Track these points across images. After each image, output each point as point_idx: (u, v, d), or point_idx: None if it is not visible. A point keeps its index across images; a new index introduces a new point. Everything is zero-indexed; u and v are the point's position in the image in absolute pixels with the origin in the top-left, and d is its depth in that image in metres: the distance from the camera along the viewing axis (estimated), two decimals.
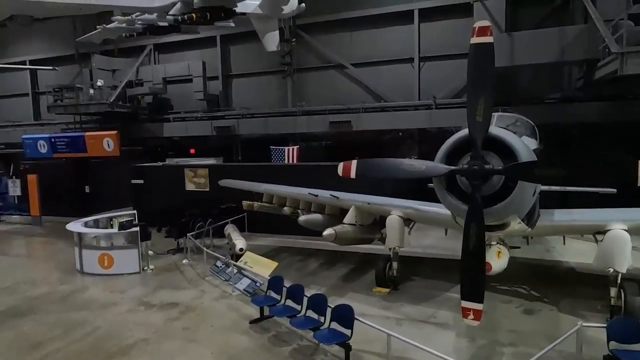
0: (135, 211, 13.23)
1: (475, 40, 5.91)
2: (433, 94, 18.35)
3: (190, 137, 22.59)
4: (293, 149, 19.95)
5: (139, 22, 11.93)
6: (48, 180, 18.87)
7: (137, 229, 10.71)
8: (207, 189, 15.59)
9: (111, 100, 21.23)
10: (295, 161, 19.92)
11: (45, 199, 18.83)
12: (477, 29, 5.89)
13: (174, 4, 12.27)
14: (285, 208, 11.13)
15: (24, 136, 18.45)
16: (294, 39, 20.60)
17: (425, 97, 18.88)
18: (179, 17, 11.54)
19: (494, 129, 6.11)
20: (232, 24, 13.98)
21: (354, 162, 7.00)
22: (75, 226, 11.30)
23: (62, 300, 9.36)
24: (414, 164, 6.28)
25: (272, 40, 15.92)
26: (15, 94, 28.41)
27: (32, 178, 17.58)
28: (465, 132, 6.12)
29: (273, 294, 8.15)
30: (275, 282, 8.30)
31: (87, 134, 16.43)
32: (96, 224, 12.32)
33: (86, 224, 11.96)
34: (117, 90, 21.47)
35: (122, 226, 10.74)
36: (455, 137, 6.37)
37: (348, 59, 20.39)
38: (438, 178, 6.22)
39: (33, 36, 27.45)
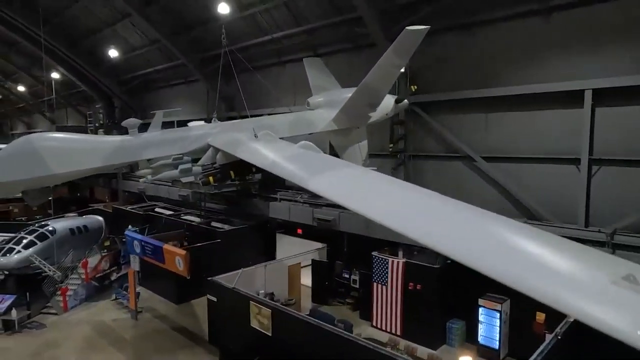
0: None
1: None
2: (608, 219, 11.88)
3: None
4: (398, 263, 15.83)
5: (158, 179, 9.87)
6: None
7: None
8: (270, 334, 12.95)
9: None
10: (400, 280, 15.77)
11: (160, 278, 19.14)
12: None
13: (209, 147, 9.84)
14: None
15: (127, 232, 19.04)
16: (403, 135, 16.25)
17: (596, 221, 12.40)
18: (198, 179, 9.01)
19: None
20: None
21: None
22: None
23: None
24: None
25: (356, 156, 12.20)
26: None
27: (131, 271, 17.84)
28: None
29: None
30: None
31: (165, 246, 15.67)
32: None
33: None
34: None
35: None
36: None
37: (480, 149, 15.04)
38: None
39: (180, 98, 29.45)
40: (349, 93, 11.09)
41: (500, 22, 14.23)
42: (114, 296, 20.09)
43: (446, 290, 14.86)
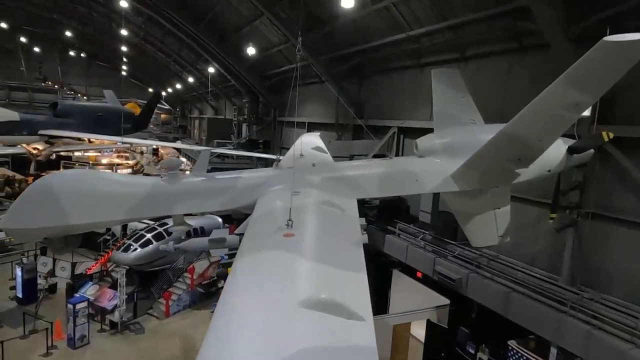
0: None
1: None
2: None
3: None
4: None
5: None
6: None
7: None
8: None
9: None
10: None
11: None
12: None
13: None
14: None
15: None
16: (581, 183, 10.70)
17: None
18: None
19: None
20: None
21: None
22: None
23: None
24: None
25: (489, 229, 7.79)
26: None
27: None
28: None
29: None
30: None
31: None
32: None
33: None
34: None
35: None
36: None
37: None
38: None
39: (313, 98, 27.64)
40: (487, 134, 6.77)
41: None
42: (213, 308, 19.33)
43: None
